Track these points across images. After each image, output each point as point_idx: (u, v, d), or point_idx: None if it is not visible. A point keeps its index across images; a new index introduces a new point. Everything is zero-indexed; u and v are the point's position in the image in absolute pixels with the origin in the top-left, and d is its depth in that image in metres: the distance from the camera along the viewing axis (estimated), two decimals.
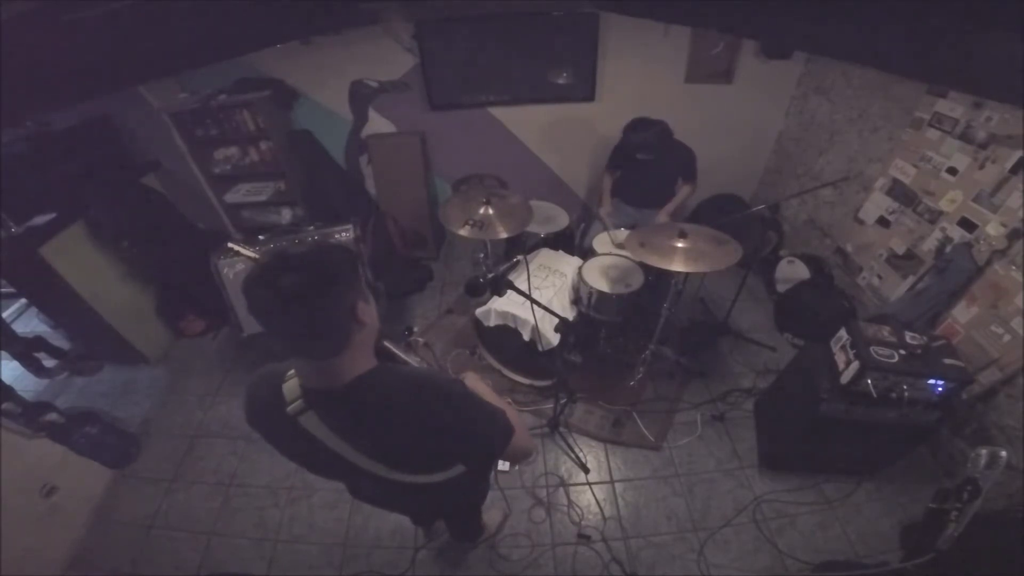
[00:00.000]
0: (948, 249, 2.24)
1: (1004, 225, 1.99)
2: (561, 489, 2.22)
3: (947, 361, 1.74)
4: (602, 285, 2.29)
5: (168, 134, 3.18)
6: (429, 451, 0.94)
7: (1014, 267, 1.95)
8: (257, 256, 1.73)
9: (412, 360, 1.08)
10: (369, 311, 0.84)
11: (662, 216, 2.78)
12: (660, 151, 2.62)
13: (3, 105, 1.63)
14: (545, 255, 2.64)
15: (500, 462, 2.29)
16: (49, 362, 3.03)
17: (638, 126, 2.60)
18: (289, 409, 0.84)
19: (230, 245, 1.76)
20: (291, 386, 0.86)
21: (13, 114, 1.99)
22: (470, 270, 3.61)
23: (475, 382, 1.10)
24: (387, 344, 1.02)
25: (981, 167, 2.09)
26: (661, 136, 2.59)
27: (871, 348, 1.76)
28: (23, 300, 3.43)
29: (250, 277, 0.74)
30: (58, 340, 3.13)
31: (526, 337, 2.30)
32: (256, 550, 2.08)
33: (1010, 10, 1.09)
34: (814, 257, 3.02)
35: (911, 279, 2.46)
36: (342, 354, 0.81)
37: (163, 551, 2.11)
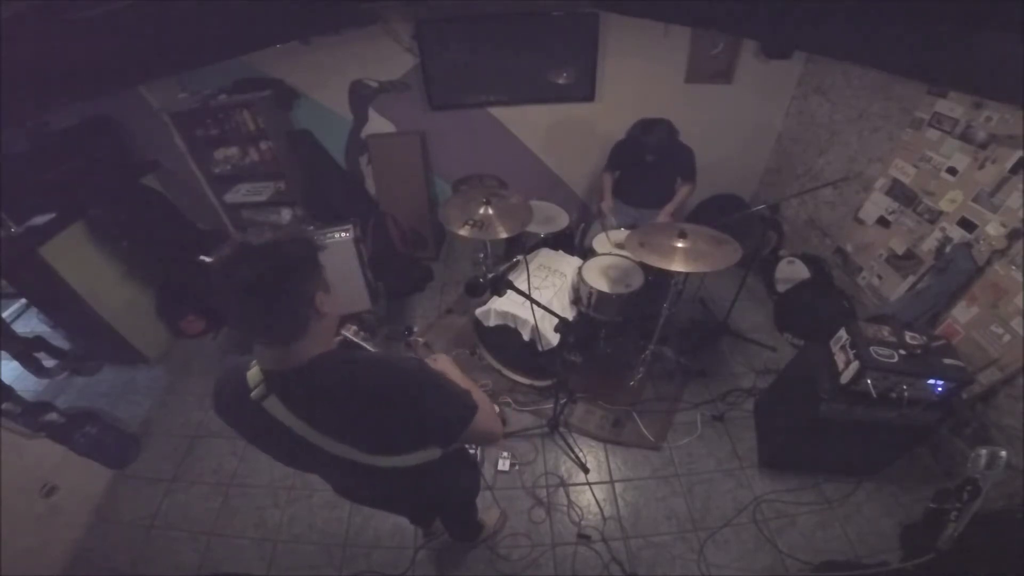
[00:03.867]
0: (948, 249, 2.24)
1: (1004, 225, 1.99)
2: (561, 489, 2.22)
3: (947, 361, 1.74)
4: (602, 285, 2.29)
5: (168, 134, 3.18)
6: (388, 428, 0.94)
7: (1014, 267, 1.95)
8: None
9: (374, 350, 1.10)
10: (329, 301, 0.86)
11: (663, 216, 2.77)
12: (663, 152, 2.62)
13: (3, 105, 1.63)
14: (545, 255, 2.64)
15: (499, 461, 2.29)
16: (49, 362, 3.03)
17: (648, 127, 2.60)
18: (252, 395, 0.86)
19: (202, 258, 1.80)
20: (254, 373, 0.88)
21: (13, 114, 1.99)
22: (470, 270, 3.61)
23: (445, 364, 1.11)
24: (346, 335, 1.04)
25: (981, 167, 2.09)
26: (670, 136, 2.59)
27: (871, 348, 1.76)
28: (23, 300, 3.43)
29: (215, 266, 0.77)
30: (58, 340, 3.12)
31: (526, 337, 2.30)
32: (256, 550, 2.08)
33: (1010, 10, 1.08)
34: (814, 257, 3.02)
35: (911, 279, 2.46)
36: (299, 340, 0.83)
37: (163, 551, 2.11)
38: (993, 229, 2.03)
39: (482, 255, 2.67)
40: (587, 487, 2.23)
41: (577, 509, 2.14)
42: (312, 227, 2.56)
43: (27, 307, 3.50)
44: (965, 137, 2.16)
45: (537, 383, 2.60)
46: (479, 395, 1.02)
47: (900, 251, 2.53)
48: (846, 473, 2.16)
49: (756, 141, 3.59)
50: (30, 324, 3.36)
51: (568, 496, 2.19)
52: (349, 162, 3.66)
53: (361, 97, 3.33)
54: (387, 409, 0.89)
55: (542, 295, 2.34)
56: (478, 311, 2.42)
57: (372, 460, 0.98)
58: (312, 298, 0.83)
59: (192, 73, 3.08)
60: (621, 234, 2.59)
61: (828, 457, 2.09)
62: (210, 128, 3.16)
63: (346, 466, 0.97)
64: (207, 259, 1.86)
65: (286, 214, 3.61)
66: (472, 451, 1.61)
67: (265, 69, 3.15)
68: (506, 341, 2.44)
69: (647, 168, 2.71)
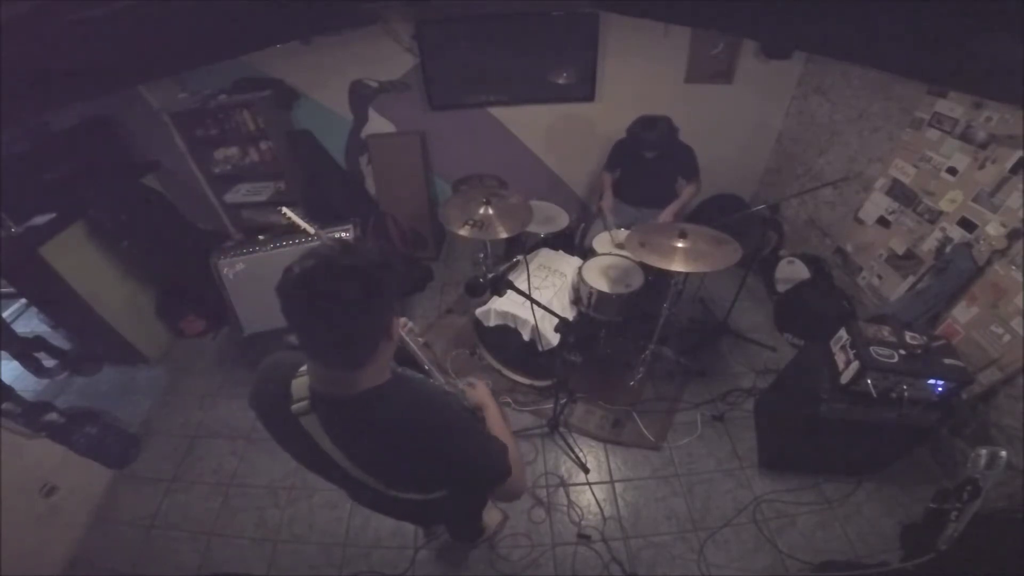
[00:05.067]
0: (948, 249, 2.24)
1: (1004, 225, 1.99)
2: (561, 489, 2.22)
3: (947, 361, 1.74)
4: (602, 285, 2.29)
5: (168, 134, 3.17)
6: (422, 474, 0.94)
7: (1014, 267, 1.95)
8: (312, 231, 1.70)
9: (427, 359, 1.08)
10: (396, 328, 0.83)
11: (665, 216, 2.77)
12: (664, 149, 2.62)
13: (3, 105, 1.63)
14: (545, 255, 2.64)
15: None
16: (49, 362, 3.03)
17: (647, 124, 2.60)
18: (293, 408, 0.84)
19: (283, 210, 1.74)
20: (300, 384, 0.85)
21: (13, 114, 1.99)
22: (470, 270, 3.61)
23: (484, 394, 1.09)
24: (406, 338, 1.02)
25: (981, 167, 2.09)
26: (670, 133, 2.59)
27: (871, 348, 1.76)
28: (23, 300, 3.43)
29: (294, 277, 0.71)
30: (58, 340, 3.12)
31: (526, 337, 2.30)
32: (256, 550, 2.08)
33: (1010, 10, 1.09)
34: (814, 257, 3.02)
35: (911, 279, 2.46)
36: (363, 368, 0.80)
37: (163, 551, 2.11)
38: (993, 229, 2.03)
39: (482, 255, 2.67)
40: (587, 487, 2.23)
41: (577, 509, 2.14)
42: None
43: (27, 307, 3.50)
44: (965, 137, 2.16)
45: (537, 383, 2.60)
46: (514, 451, 0.99)
47: (900, 251, 2.53)
48: (846, 473, 2.16)
49: (756, 141, 3.59)
50: (30, 324, 3.36)
51: (568, 496, 2.19)
52: (349, 162, 3.66)
53: (361, 97, 3.33)
54: (426, 459, 0.87)
55: (542, 295, 2.34)
56: (478, 311, 2.42)
57: (395, 493, 0.98)
58: (390, 324, 0.80)
59: (192, 73, 3.08)
60: (621, 234, 2.59)
61: (828, 457, 2.09)
62: (210, 128, 3.16)
63: (365, 489, 0.97)
64: (287, 211, 1.73)
65: None
66: None
67: (265, 69, 3.15)
68: (506, 341, 2.44)
69: (647, 166, 2.71)
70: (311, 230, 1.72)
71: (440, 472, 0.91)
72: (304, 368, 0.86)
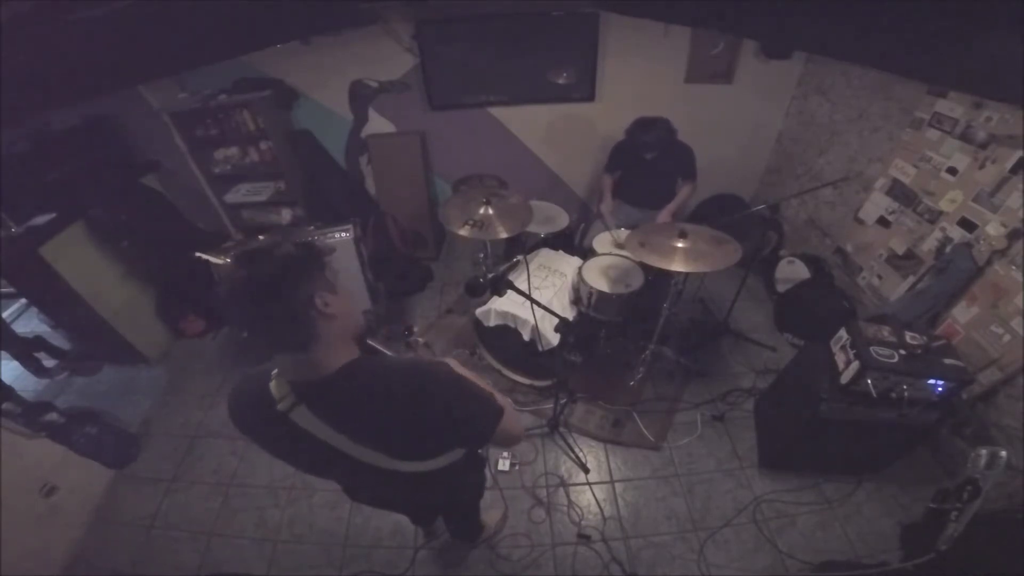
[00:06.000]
0: (948, 249, 2.24)
1: (1004, 225, 1.98)
2: (561, 489, 2.22)
3: (947, 361, 1.74)
4: (602, 285, 2.29)
5: (168, 134, 3.17)
6: (422, 434, 0.94)
7: (1014, 267, 1.95)
8: (220, 261, 1.86)
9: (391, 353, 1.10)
10: (338, 303, 0.84)
11: (664, 216, 2.77)
12: (663, 150, 2.63)
13: (3, 105, 1.63)
14: (545, 255, 2.65)
15: (499, 461, 2.29)
16: (49, 362, 3.03)
17: (645, 125, 2.60)
18: (279, 406, 0.85)
19: (198, 255, 1.89)
20: (277, 384, 0.86)
21: (13, 114, 2.00)
22: (470, 270, 3.61)
23: (458, 366, 1.11)
24: (371, 343, 1.03)
25: (981, 167, 2.09)
26: (668, 134, 2.60)
27: (871, 348, 1.76)
28: (23, 300, 3.43)
29: (228, 288, 0.79)
30: (58, 340, 3.13)
31: (526, 337, 2.30)
32: (256, 550, 2.08)
33: (1010, 10, 1.09)
34: (814, 257, 3.02)
35: (911, 279, 2.46)
36: (313, 347, 0.82)
37: (163, 551, 2.11)
38: (993, 229, 2.03)
39: (482, 255, 2.67)
40: (587, 487, 2.23)
41: (577, 509, 2.14)
42: (312, 227, 2.56)
43: (27, 307, 3.50)
44: (965, 137, 2.16)
45: (537, 383, 2.60)
46: (501, 397, 1.02)
47: (900, 251, 2.53)
48: (846, 473, 2.16)
49: (756, 141, 3.59)
50: (30, 324, 3.36)
51: (568, 496, 2.19)
52: (349, 162, 3.66)
53: (361, 97, 3.33)
54: (422, 415, 0.89)
55: (542, 295, 2.34)
56: (478, 311, 2.42)
57: (398, 465, 0.98)
58: (311, 299, 0.80)
59: (192, 73, 3.07)
60: (622, 234, 2.59)
61: (828, 457, 2.09)
62: (210, 128, 3.15)
63: (367, 471, 0.97)
64: (203, 256, 1.90)
65: (286, 214, 3.60)
66: (480, 450, 1.63)
67: (265, 69, 3.15)
68: (506, 341, 2.44)
69: (647, 167, 2.71)
70: (220, 261, 1.93)
71: (437, 422, 0.91)
72: (275, 371, 0.88)
